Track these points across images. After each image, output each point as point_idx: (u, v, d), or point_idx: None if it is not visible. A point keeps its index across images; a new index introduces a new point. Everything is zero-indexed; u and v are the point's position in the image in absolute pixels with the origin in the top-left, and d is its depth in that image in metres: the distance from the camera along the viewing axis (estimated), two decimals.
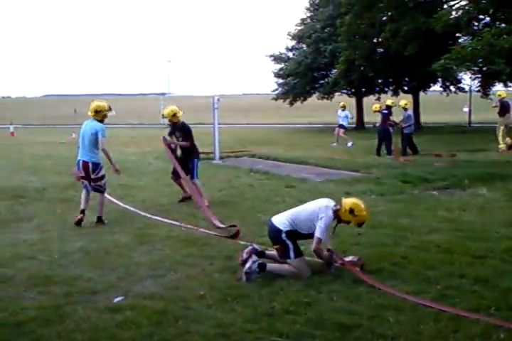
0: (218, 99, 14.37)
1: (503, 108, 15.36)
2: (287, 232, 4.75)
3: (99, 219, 6.99)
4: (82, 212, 6.90)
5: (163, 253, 5.43)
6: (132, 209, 7.75)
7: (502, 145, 14.99)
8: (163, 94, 64.34)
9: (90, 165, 6.90)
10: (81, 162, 6.93)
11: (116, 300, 4.16)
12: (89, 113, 7.00)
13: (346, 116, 19.36)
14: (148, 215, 7.29)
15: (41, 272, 4.87)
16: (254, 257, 4.74)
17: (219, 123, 14.87)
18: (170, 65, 69.25)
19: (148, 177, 11.13)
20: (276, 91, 32.87)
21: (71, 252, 5.53)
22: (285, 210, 5.08)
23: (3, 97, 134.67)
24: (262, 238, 5.77)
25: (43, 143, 21.84)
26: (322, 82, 31.29)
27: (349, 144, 18.19)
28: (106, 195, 7.61)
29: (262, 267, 4.67)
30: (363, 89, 30.45)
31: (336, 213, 4.76)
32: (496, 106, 15.73)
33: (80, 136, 7.03)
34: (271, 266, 4.77)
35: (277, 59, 32.81)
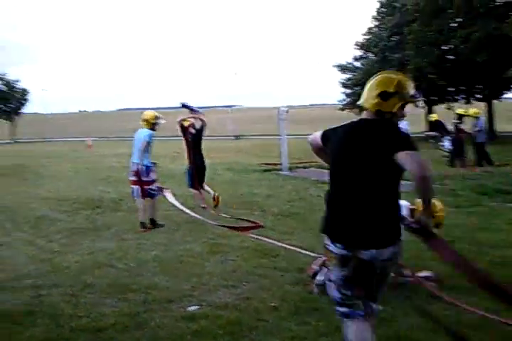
0: (286, 111, 14.45)
1: None
2: None
3: (154, 222, 7.52)
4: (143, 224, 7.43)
5: (235, 264, 5.50)
6: (204, 219, 7.90)
7: None
8: (230, 106, 65.51)
9: (140, 167, 7.42)
10: (133, 165, 7.55)
11: (190, 309, 4.25)
12: (140, 122, 7.72)
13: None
14: (219, 225, 7.41)
15: (119, 280, 5.06)
16: (325, 269, 4.70)
17: (286, 135, 14.92)
18: (237, 77, 71.26)
19: (218, 187, 11.29)
20: (344, 102, 32.66)
21: (147, 261, 5.72)
22: None
23: (80, 111, 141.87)
24: None
25: (117, 155, 22.77)
26: None
27: None
28: (176, 204, 7.93)
29: None
30: (434, 98, 29.64)
31: (412, 213, 4.48)
32: None
33: (134, 142, 7.68)
34: None
35: (344, 69, 32.64)
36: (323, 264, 4.73)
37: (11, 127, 58.25)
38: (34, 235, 7.19)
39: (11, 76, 58.20)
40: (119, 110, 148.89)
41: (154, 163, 7.74)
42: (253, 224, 7.46)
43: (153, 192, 7.56)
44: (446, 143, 15.53)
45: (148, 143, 7.48)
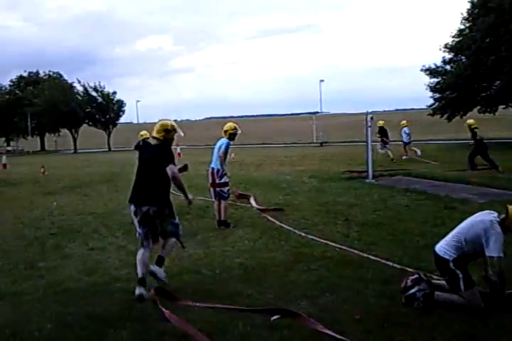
0: (372, 118, 14.17)
1: None
2: (454, 260, 4.42)
3: (224, 223, 8.27)
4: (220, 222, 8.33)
5: (319, 274, 5.45)
6: (288, 227, 7.91)
7: None
8: (315, 113, 65.19)
9: (215, 170, 8.35)
10: (210, 169, 8.54)
11: (273, 318, 4.25)
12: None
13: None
14: (304, 234, 7.38)
15: (205, 286, 5.18)
16: (422, 285, 4.53)
17: (372, 141, 14.62)
18: (322, 84, 70.64)
19: (302, 196, 11.30)
20: (433, 106, 31.44)
21: (232, 268, 5.81)
22: (445, 234, 4.78)
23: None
24: (420, 263, 5.53)
25: (205, 163, 23.37)
26: (483, 94, 29.23)
27: (404, 157, 20.45)
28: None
29: (428, 297, 4.40)
30: None
31: (503, 224, 4.35)
32: None
33: (213, 150, 8.64)
34: (439, 295, 4.46)
35: (433, 73, 31.42)
36: (418, 281, 4.57)
37: (107, 136, 61.68)
38: (126, 240, 7.53)
39: (110, 88, 61.69)
40: (206, 119, 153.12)
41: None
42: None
43: (223, 194, 8.37)
44: (379, 146, 20.68)
45: (226, 152, 8.34)
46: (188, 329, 4.02)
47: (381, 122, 20.90)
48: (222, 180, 8.36)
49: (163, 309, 4.40)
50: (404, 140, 20.91)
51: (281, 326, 4.07)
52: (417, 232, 7.19)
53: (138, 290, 4.85)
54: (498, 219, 4.40)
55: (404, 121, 21.27)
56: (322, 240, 6.94)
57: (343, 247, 6.50)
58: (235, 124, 8.56)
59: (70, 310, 4.64)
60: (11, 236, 8.21)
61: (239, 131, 8.53)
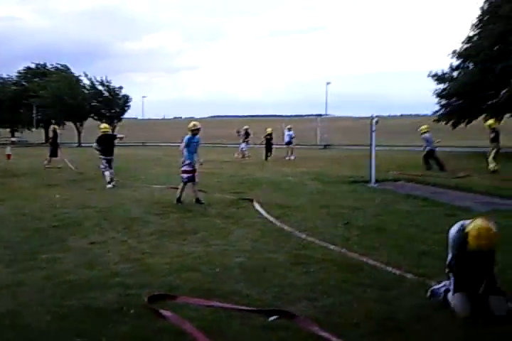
0: (376, 122, 14.14)
1: None
2: (448, 264, 4.62)
3: (178, 199, 10.67)
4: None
5: (318, 276, 5.46)
6: (288, 228, 7.92)
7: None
8: (319, 115, 65.17)
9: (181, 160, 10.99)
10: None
11: (271, 318, 4.26)
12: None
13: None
14: (304, 236, 7.39)
15: (204, 285, 5.19)
16: (447, 282, 4.63)
17: (377, 145, 14.60)
18: (328, 86, 70.40)
19: (304, 197, 11.31)
20: (438, 113, 31.38)
21: (231, 267, 5.82)
22: (446, 241, 4.83)
23: (175, 117, 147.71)
24: (420, 269, 5.55)
25: (209, 161, 23.40)
26: (490, 102, 29.16)
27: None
28: (262, 212, 8.02)
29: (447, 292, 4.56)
30: None
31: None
32: None
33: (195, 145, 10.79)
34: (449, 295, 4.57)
35: (440, 79, 31.36)
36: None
37: (111, 131, 61.78)
38: (127, 235, 7.57)
39: (117, 83, 61.71)
40: (211, 117, 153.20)
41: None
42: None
43: (183, 179, 10.73)
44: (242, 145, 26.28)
45: (187, 145, 10.61)
46: (185, 327, 4.04)
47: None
48: (183, 168, 10.70)
49: (161, 310, 4.39)
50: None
51: (279, 327, 4.08)
52: (417, 238, 7.20)
53: None
54: (461, 228, 4.49)
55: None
56: (322, 243, 6.95)
57: (343, 250, 6.51)
58: (195, 122, 10.83)
59: (69, 302, 4.66)
60: (13, 226, 8.25)
61: (199, 127, 10.70)
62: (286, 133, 25.94)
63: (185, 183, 10.69)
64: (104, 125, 14.91)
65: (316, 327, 3.98)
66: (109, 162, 13.81)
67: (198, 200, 10.65)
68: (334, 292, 4.93)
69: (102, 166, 13.88)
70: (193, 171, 10.75)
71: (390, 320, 4.23)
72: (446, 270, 4.65)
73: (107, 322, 4.18)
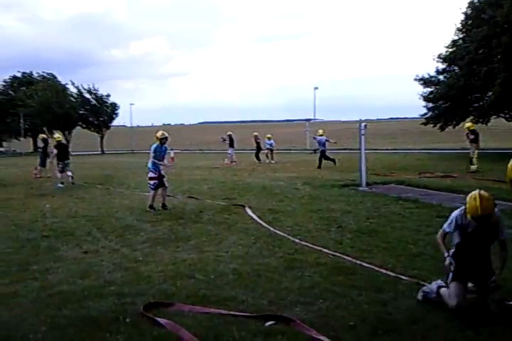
0: (365, 126, 14.26)
1: None
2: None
3: (151, 206, 10.75)
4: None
5: (312, 280, 5.48)
6: (281, 233, 7.94)
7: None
8: (308, 119, 65.32)
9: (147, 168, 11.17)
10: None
11: (267, 324, 4.27)
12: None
13: None
14: (297, 241, 7.41)
15: (199, 291, 5.19)
16: (439, 281, 4.70)
17: (365, 149, 14.69)
18: (317, 91, 70.29)
19: (296, 202, 11.34)
20: (426, 116, 31.64)
21: (225, 273, 5.82)
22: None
23: (164, 124, 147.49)
24: (413, 271, 5.60)
25: (199, 167, 23.42)
26: (476, 105, 29.49)
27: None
28: (255, 217, 8.01)
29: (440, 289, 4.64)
30: None
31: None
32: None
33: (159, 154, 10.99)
34: (442, 290, 4.64)
35: (427, 82, 31.64)
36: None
37: (100, 139, 61.49)
38: (119, 244, 7.54)
39: (104, 90, 61.46)
40: (201, 123, 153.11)
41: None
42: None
43: (150, 186, 10.92)
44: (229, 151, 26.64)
45: (154, 152, 10.82)
46: (182, 334, 4.03)
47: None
48: (149, 175, 10.95)
49: (157, 318, 4.38)
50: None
51: (276, 332, 4.09)
52: (410, 240, 7.25)
53: None
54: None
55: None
56: (316, 247, 6.98)
57: (337, 254, 6.54)
58: (163, 131, 10.94)
59: (64, 312, 4.64)
60: (4, 237, 8.19)
61: (166, 136, 10.90)
62: (267, 141, 27.26)
63: (155, 190, 10.85)
64: (57, 135, 19.42)
65: (313, 331, 4.00)
66: (64, 165, 16.87)
67: (164, 206, 10.86)
68: (329, 295, 4.96)
69: (58, 168, 16.83)
70: (160, 177, 10.90)
71: (385, 321, 4.26)
72: (447, 261, 4.65)
73: (103, 331, 4.16)
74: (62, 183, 16.35)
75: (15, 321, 4.47)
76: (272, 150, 27.07)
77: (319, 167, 21.39)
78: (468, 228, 4.54)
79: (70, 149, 19.83)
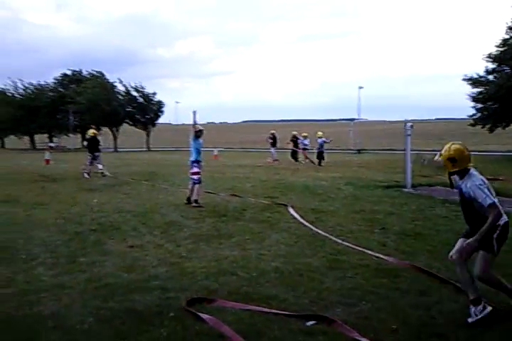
0: (411, 126, 14.01)
1: None
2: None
3: (193, 201, 10.88)
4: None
5: (355, 281, 5.44)
6: (324, 233, 7.90)
7: None
8: (352, 119, 64.71)
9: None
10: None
11: (309, 323, 4.27)
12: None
13: None
14: (340, 241, 7.36)
15: (241, 288, 5.24)
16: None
17: (411, 150, 14.44)
18: (361, 90, 69.33)
19: (338, 202, 11.27)
20: (474, 117, 30.81)
21: (267, 271, 5.85)
22: None
23: (208, 123, 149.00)
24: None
25: (242, 166, 23.55)
26: None
27: None
28: (297, 217, 8.03)
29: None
30: None
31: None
32: None
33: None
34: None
35: (476, 82, 30.78)
36: None
37: (146, 136, 62.76)
38: (164, 239, 7.68)
39: (150, 89, 62.77)
40: (244, 122, 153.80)
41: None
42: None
43: (195, 180, 11.01)
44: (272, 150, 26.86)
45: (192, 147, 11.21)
46: (224, 331, 4.08)
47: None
48: (193, 170, 11.06)
49: (200, 313, 4.44)
50: None
51: (317, 332, 4.09)
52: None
53: None
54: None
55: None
56: (358, 248, 6.92)
57: (380, 256, 6.47)
58: (198, 125, 11.15)
59: (110, 305, 4.77)
60: (53, 230, 8.47)
61: (201, 128, 11.22)
62: (303, 141, 26.77)
63: (200, 184, 11.04)
64: (92, 131, 20.01)
65: (355, 332, 3.97)
66: (94, 157, 18.75)
67: (189, 200, 11.07)
68: (371, 297, 4.91)
69: (88, 160, 18.73)
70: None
71: (429, 325, 4.20)
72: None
73: (147, 324, 4.27)
74: (88, 174, 18.13)
75: (63, 312, 4.62)
76: (306, 149, 26.38)
77: (319, 164, 23.70)
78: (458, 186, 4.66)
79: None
